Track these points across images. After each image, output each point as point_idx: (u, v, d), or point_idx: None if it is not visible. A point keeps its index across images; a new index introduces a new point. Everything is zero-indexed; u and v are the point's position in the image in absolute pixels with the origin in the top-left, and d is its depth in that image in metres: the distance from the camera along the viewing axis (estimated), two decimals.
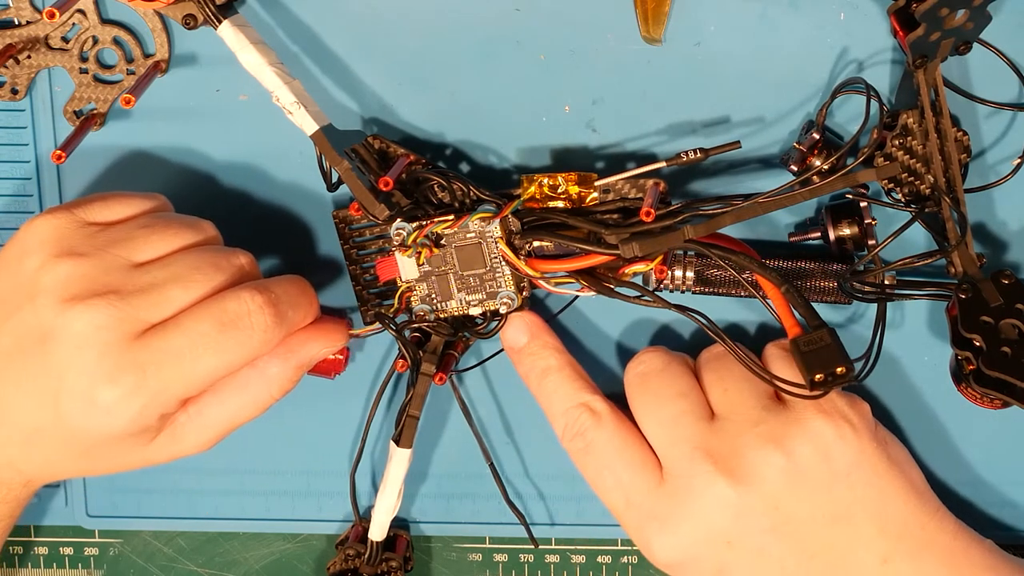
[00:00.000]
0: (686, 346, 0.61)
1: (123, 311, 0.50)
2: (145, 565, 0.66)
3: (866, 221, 0.57)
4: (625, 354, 0.61)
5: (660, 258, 0.55)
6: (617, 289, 0.56)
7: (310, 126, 0.54)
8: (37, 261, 0.51)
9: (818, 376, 0.52)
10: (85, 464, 0.54)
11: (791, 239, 0.59)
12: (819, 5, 0.56)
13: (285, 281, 0.54)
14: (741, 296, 0.58)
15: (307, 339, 0.55)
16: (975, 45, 0.54)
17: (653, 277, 0.56)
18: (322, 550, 0.66)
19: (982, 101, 0.56)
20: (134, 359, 0.50)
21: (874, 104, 0.55)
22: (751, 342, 0.61)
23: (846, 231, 0.57)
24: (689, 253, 0.58)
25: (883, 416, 0.61)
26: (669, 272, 0.57)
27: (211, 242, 0.55)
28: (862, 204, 0.57)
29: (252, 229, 0.59)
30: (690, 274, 0.58)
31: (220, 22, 0.54)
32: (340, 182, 0.55)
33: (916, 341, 0.60)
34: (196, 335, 0.51)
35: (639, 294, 0.56)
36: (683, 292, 0.58)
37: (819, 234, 0.58)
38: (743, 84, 0.57)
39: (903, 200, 0.56)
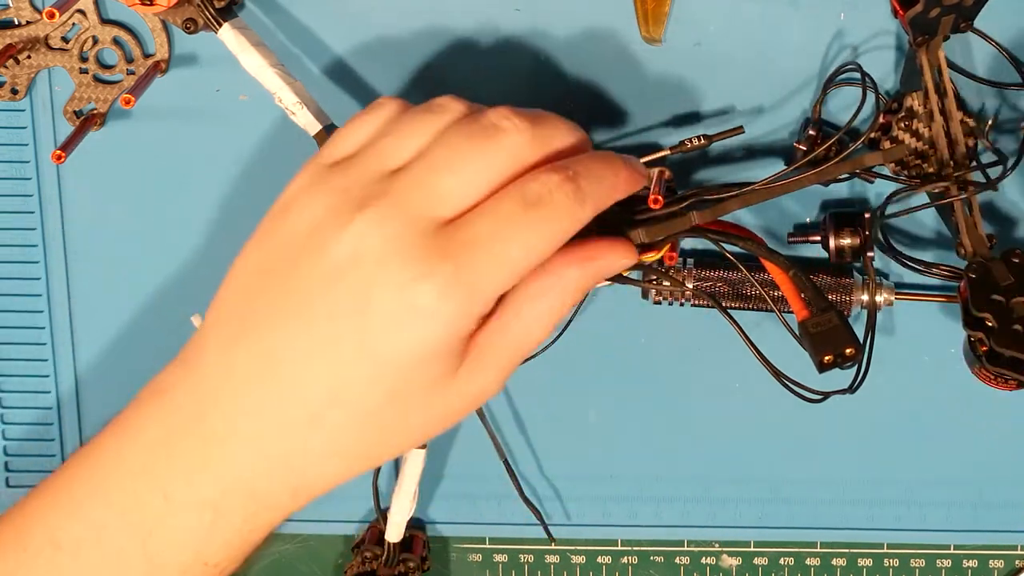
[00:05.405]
0: (700, 337, 0.61)
1: (403, 211, 0.45)
2: None
3: (866, 233, 0.56)
4: (631, 348, 0.61)
5: (669, 245, 0.55)
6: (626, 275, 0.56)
7: (313, 126, 0.54)
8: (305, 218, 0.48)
9: (827, 357, 0.52)
10: (386, 418, 0.47)
11: (790, 240, 0.59)
12: (819, 5, 0.56)
13: (585, 158, 0.49)
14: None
15: (607, 247, 0.50)
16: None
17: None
18: (323, 551, 0.66)
19: (983, 81, 0.56)
20: (441, 249, 0.45)
21: (872, 92, 0.55)
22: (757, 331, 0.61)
23: (846, 241, 0.57)
24: (689, 265, 0.58)
25: (893, 415, 0.61)
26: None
27: (459, 113, 0.49)
28: (866, 214, 0.56)
29: (252, 230, 0.59)
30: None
31: (220, 26, 0.53)
32: None
33: (920, 340, 0.61)
34: (501, 217, 0.46)
35: (650, 279, 0.56)
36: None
37: (819, 238, 0.58)
38: (743, 84, 0.57)
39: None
